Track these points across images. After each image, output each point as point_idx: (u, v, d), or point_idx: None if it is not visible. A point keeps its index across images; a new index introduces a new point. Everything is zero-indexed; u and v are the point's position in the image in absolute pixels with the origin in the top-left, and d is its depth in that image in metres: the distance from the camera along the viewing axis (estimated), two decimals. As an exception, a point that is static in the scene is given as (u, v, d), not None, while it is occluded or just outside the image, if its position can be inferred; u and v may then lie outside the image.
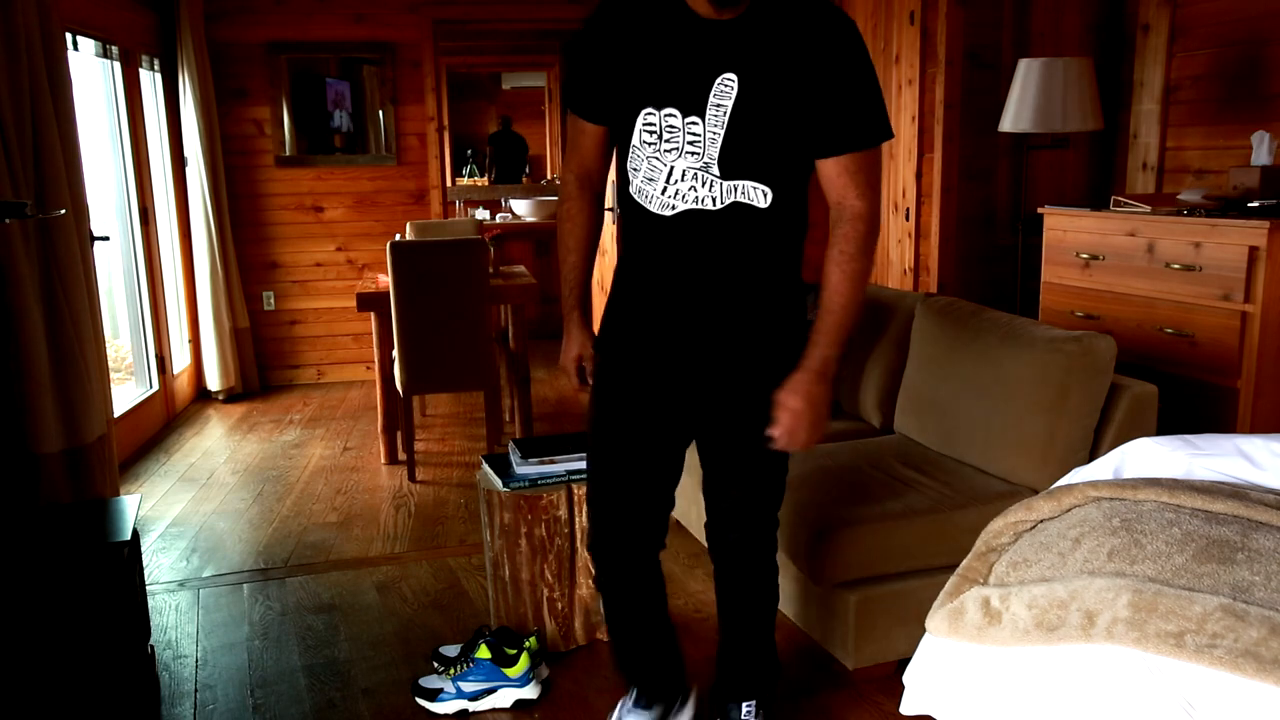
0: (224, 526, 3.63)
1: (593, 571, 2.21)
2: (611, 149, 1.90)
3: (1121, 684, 1.61)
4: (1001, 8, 4.08)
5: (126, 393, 4.76)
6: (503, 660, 2.39)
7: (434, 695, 2.38)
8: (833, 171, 1.76)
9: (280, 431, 4.87)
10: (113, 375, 4.05)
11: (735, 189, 1.74)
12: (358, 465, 4.32)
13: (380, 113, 5.73)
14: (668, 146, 1.74)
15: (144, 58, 4.94)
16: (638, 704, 2.12)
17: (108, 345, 3.92)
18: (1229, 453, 1.94)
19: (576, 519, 2.59)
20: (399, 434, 4.27)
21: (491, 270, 4.39)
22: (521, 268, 5.16)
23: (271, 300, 5.74)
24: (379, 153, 5.77)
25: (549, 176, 9.13)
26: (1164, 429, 2.56)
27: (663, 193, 1.76)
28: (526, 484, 2.57)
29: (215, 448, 4.64)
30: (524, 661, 2.38)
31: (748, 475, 1.98)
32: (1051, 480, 2.28)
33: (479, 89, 9.59)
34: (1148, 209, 3.19)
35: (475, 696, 2.37)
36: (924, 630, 2.07)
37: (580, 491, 2.57)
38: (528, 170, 9.30)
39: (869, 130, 1.75)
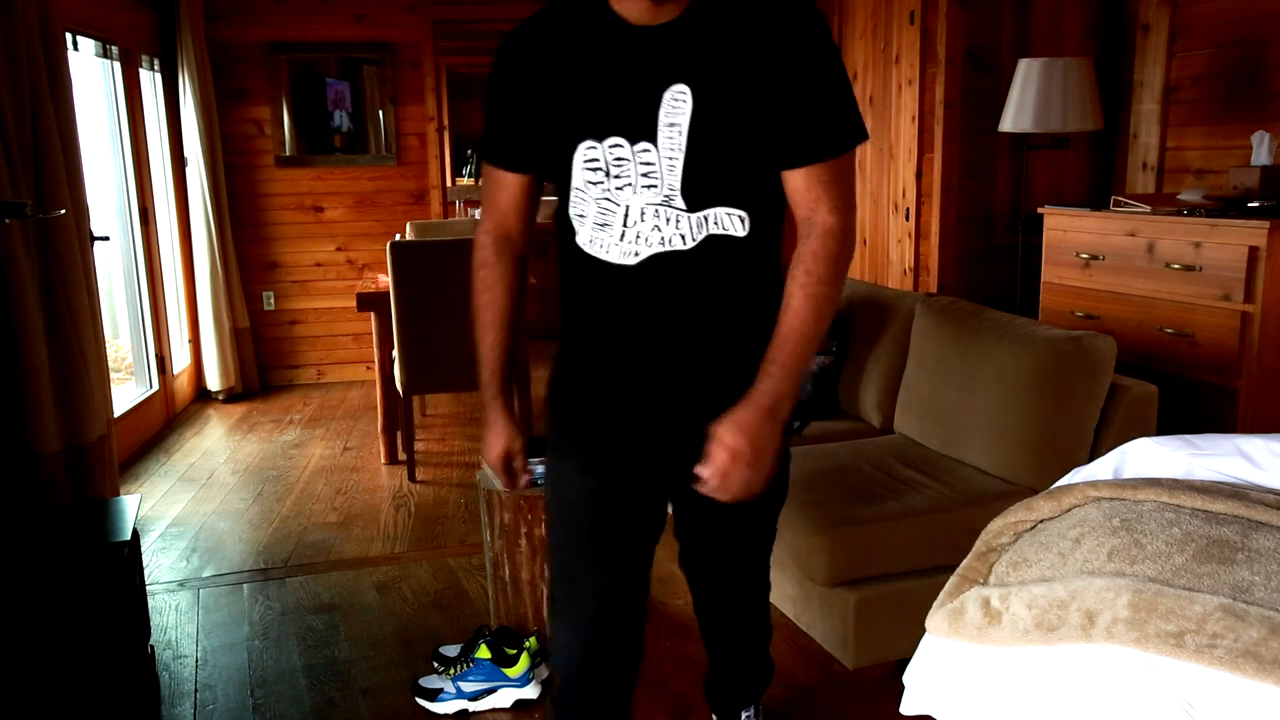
0: (224, 526, 3.63)
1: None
2: (536, 202, 1.62)
3: (1121, 684, 1.61)
4: (1001, 8, 4.08)
5: (126, 393, 4.76)
6: (503, 660, 2.39)
7: (434, 695, 2.38)
8: (801, 184, 1.46)
9: (280, 431, 4.87)
10: (113, 375, 4.05)
11: (707, 220, 1.45)
12: (358, 465, 4.32)
13: (380, 113, 5.73)
14: (619, 183, 1.44)
15: (144, 58, 4.94)
16: None
17: (108, 345, 3.92)
18: (1229, 453, 1.94)
19: (576, 519, 2.59)
20: (399, 434, 4.27)
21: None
22: (521, 268, 5.15)
23: (271, 300, 5.74)
24: (379, 153, 5.77)
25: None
26: (1164, 429, 2.57)
27: (621, 238, 1.46)
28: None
29: (215, 448, 4.64)
30: (524, 661, 2.38)
31: (738, 549, 1.84)
32: (1051, 480, 2.27)
33: (479, 89, 9.60)
34: (1148, 209, 3.19)
35: (475, 696, 2.37)
36: (924, 630, 2.07)
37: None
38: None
39: (840, 134, 1.46)
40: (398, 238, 4.69)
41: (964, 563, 2.10)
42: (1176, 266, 3.03)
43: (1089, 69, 3.64)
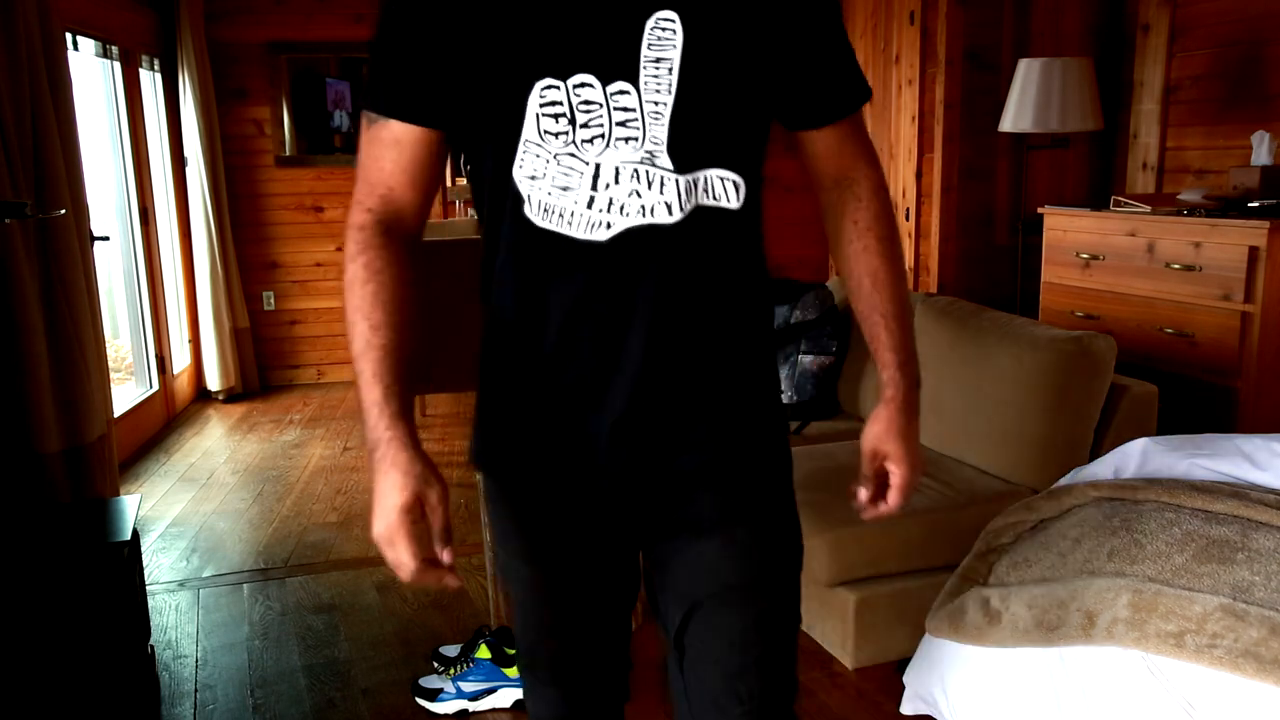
0: (224, 526, 3.63)
1: None
2: (438, 174, 1.23)
3: (1121, 684, 1.61)
4: (1001, 8, 4.08)
5: (126, 393, 4.76)
6: (503, 660, 2.39)
7: (434, 695, 2.38)
8: (833, 142, 1.27)
9: (280, 431, 4.87)
10: (113, 375, 4.05)
11: (696, 185, 1.15)
12: (358, 465, 4.32)
13: (380, 113, 5.73)
14: (588, 133, 1.12)
15: (144, 58, 4.94)
16: None
17: (108, 345, 3.92)
18: (1229, 453, 1.94)
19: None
20: (399, 434, 4.26)
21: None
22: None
23: (271, 300, 5.74)
24: (379, 153, 5.76)
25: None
26: (1164, 429, 2.57)
27: (590, 205, 1.13)
28: (526, 484, 2.56)
29: (215, 448, 4.64)
30: (524, 661, 2.38)
31: (762, 631, 1.38)
32: (1051, 480, 2.28)
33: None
34: (1148, 209, 3.19)
35: (475, 696, 2.37)
36: (924, 630, 2.07)
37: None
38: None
39: (863, 82, 1.28)
40: (398, 238, 4.68)
41: (964, 563, 2.10)
42: (1176, 266, 3.03)
43: (1089, 69, 3.64)
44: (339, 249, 5.80)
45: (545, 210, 1.15)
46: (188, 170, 5.28)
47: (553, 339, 1.19)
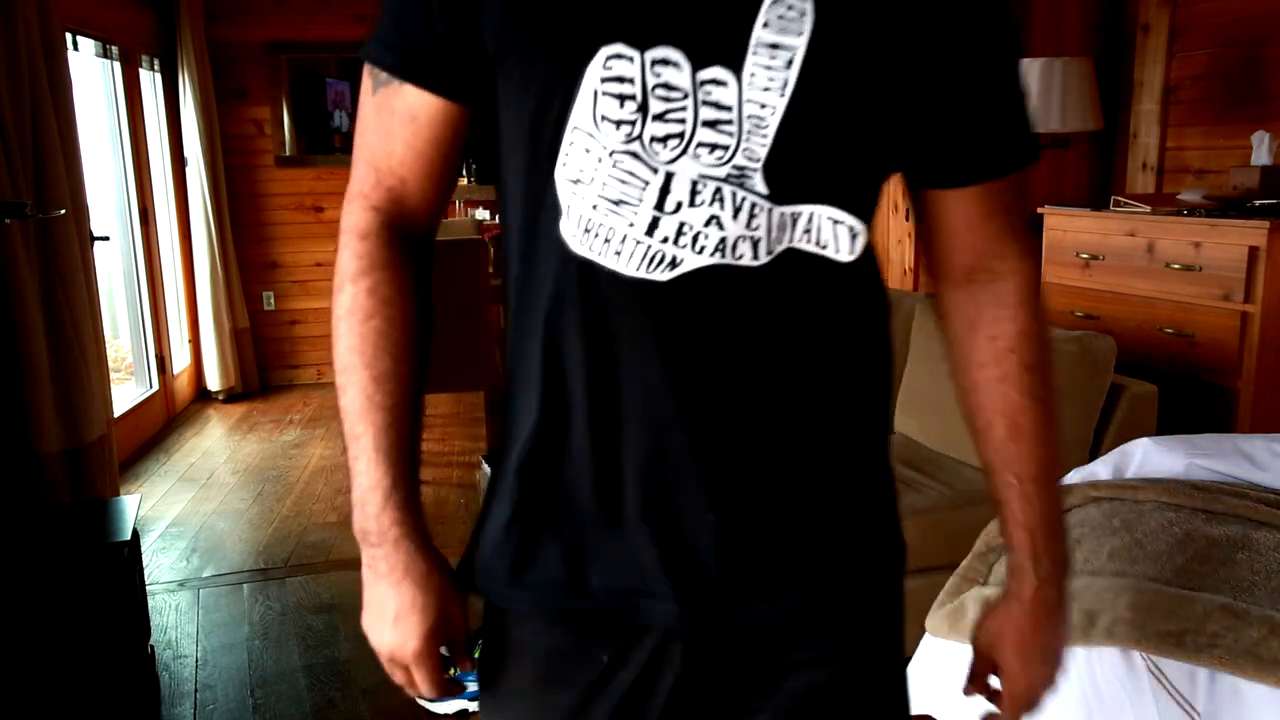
0: (224, 526, 3.63)
1: None
2: (459, 161, 0.91)
3: (1121, 684, 1.61)
4: (1001, 8, 4.07)
5: (126, 393, 4.76)
6: (503, 660, 2.39)
7: (434, 695, 2.38)
8: (975, 212, 0.90)
9: (280, 431, 4.87)
10: (113, 375, 4.05)
11: (795, 223, 0.82)
12: (358, 465, 4.32)
13: (380, 113, 5.73)
14: (663, 129, 0.79)
15: (144, 58, 4.94)
16: None
17: (108, 345, 3.92)
18: (1229, 453, 1.94)
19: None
20: (399, 434, 4.27)
21: (491, 270, 4.39)
22: (521, 268, 5.13)
23: (271, 300, 5.74)
24: (379, 153, 5.77)
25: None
26: (1164, 429, 2.57)
27: (651, 229, 0.80)
28: (526, 484, 2.56)
29: (215, 448, 4.64)
30: (524, 661, 2.38)
31: None
32: (1051, 480, 2.27)
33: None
34: (1148, 209, 3.19)
35: (475, 697, 2.37)
36: (924, 630, 2.07)
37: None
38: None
39: (1031, 140, 0.91)
40: (398, 238, 4.68)
41: (964, 563, 2.10)
42: (1176, 266, 3.03)
43: (1089, 69, 3.64)
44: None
45: (587, 230, 0.80)
46: (188, 170, 5.28)
47: (582, 422, 0.84)
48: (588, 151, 0.80)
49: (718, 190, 0.79)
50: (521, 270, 0.87)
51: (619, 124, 0.79)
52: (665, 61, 0.78)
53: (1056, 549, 0.95)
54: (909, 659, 1.02)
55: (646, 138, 0.79)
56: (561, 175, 0.81)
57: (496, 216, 5.31)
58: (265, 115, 5.58)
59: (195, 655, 2.69)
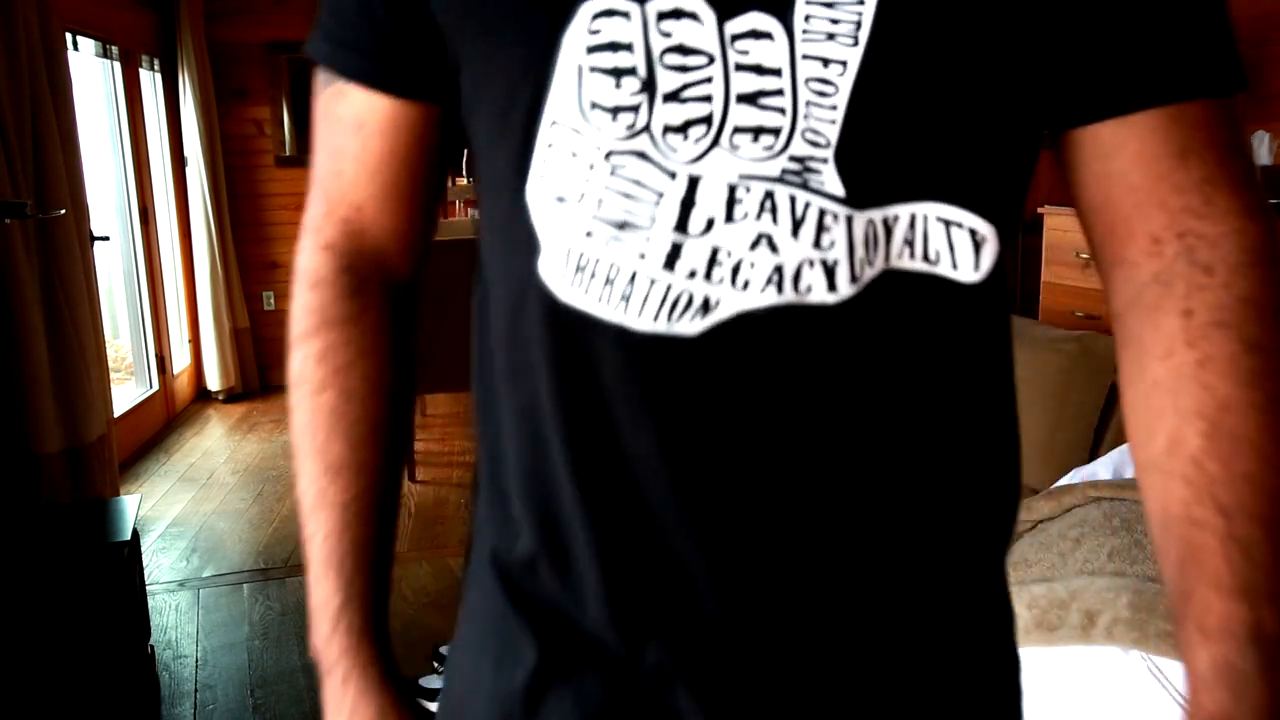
0: (224, 526, 3.63)
1: None
2: (440, 172, 0.71)
3: (1121, 684, 1.61)
4: (1001, 8, 4.08)
5: (126, 393, 4.76)
6: (503, 660, 2.39)
7: (434, 695, 2.38)
8: (1160, 151, 0.59)
9: (280, 431, 4.87)
10: (113, 375, 4.05)
11: (893, 233, 0.56)
12: (358, 465, 4.32)
13: (380, 113, 5.73)
14: (679, 113, 0.54)
15: (144, 58, 4.94)
16: None
17: (108, 345, 3.92)
18: (1229, 453, 1.95)
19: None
20: (399, 434, 4.27)
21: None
22: (521, 268, 5.13)
23: (271, 300, 5.74)
24: (379, 153, 5.77)
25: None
26: (1164, 429, 2.57)
27: (669, 262, 0.55)
28: (526, 484, 2.56)
29: (215, 448, 4.64)
30: (524, 661, 2.38)
31: None
32: (1051, 480, 2.28)
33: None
34: (1148, 209, 3.19)
35: None
36: None
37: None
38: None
39: (1228, 54, 0.65)
40: (398, 238, 4.69)
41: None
42: (1176, 266, 3.03)
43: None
44: (339, 249, 5.81)
45: (580, 268, 0.56)
46: (188, 170, 5.28)
47: (587, 559, 0.61)
48: (574, 156, 0.55)
49: (768, 195, 0.53)
50: (490, 325, 0.64)
51: (616, 111, 0.54)
52: (677, 13, 0.53)
53: (1265, 629, 0.53)
54: None
55: (657, 128, 0.54)
56: (537, 192, 0.57)
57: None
58: (265, 115, 5.58)
59: (195, 655, 2.69)
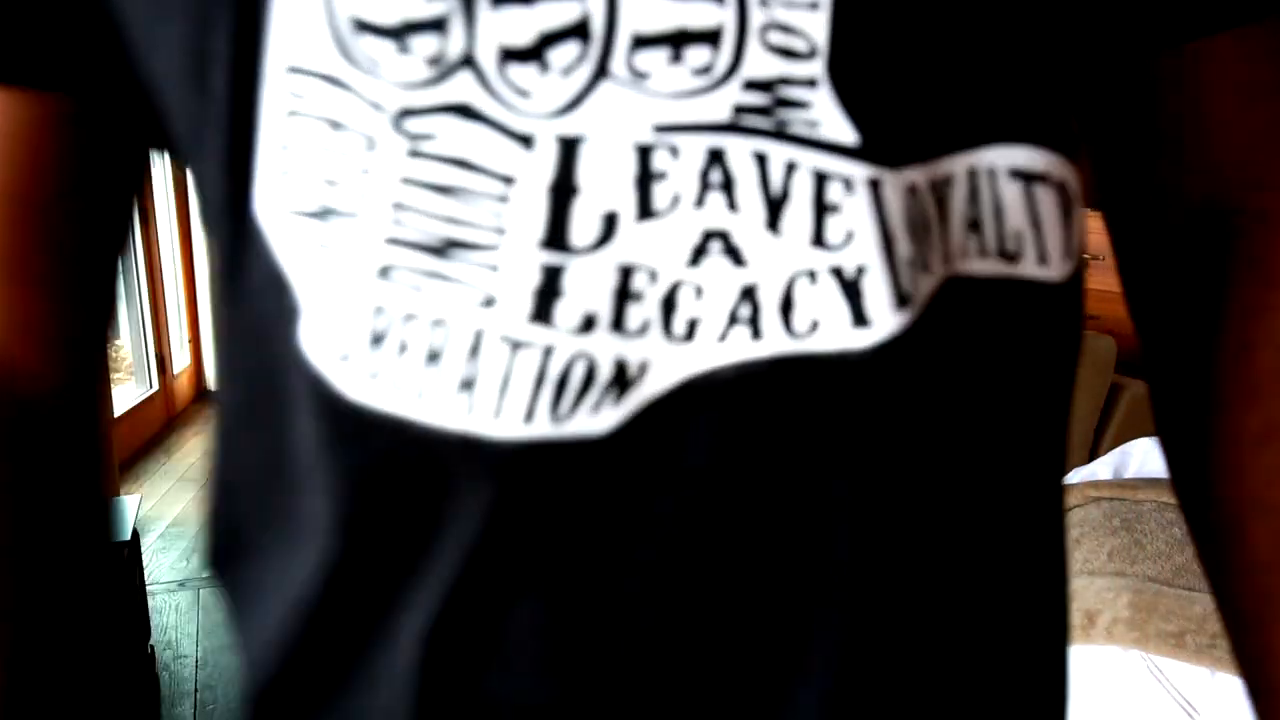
0: (224, 526, 3.63)
1: None
2: (108, 203, 0.43)
3: (1121, 684, 1.61)
4: (1001, 7, 4.07)
5: (126, 393, 4.76)
6: (503, 660, 2.39)
7: None
8: (1231, 83, 0.36)
9: (280, 431, 4.87)
10: (112, 375, 4.05)
11: (945, 201, 0.30)
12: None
13: (380, 113, 5.73)
14: (526, 25, 0.27)
15: (144, 58, 4.95)
16: None
17: (108, 345, 3.92)
18: (1229, 453, 1.95)
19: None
20: (399, 434, 4.26)
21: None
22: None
23: (271, 300, 5.75)
24: (379, 153, 5.77)
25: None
26: (1164, 429, 2.57)
27: (540, 310, 0.28)
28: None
29: (215, 448, 4.64)
30: (524, 661, 2.38)
31: None
32: (1051, 480, 2.28)
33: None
34: (1148, 209, 3.19)
35: None
36: None
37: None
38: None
39: None
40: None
41: None
42: (1176, 266, 3.03)
43: (1089, 69, 3.64)
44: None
45: (376, 338, 0.30)
46: (188, 170, 5.28)
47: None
48: (336, 128, 0.30)
49: (713, 158, 0.29)
50: (225, 459, 0.41)
51: (404, 32, 0.28)
52: None
53: None
54: None
55: (487, 57, 0.28)
56: (275, 206, 0.32)
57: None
58: (265, 115, 5.58)
59: (195, 655, 2.69)
